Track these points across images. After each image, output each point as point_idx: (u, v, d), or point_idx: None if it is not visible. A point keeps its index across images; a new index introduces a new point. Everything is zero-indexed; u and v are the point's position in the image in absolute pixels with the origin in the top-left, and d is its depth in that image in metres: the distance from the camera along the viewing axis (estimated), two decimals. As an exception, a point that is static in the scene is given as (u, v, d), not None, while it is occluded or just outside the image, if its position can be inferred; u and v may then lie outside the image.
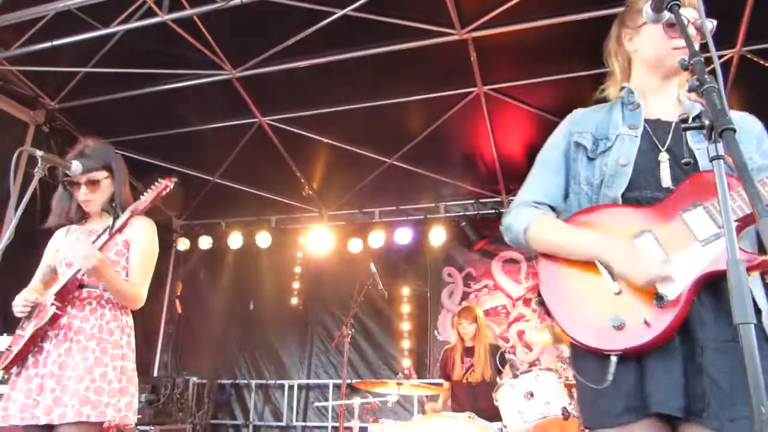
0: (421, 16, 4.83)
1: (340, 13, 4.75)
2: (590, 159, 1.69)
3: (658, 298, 1.40)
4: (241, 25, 5.02)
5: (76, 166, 2.49)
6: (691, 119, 1.54)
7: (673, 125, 1.64)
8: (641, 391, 1.41)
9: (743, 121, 1.66)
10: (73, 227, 2.74)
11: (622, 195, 1.59)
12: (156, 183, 2.54)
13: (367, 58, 5.14)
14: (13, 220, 2.17)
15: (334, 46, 5.14)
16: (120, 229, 2.48)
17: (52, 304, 2.39)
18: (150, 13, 4.76)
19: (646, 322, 1.40)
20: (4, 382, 2.43)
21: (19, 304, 2.47)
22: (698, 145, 1.56)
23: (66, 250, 2.60)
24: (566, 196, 1.76)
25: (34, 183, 2.26)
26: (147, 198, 2.51)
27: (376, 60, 5.19)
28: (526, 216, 1.71)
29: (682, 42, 1.58)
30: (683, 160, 1.41)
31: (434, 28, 4.87)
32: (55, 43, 4.99)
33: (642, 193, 1.58)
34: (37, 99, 5.96)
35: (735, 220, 1.38)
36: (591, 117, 1.79)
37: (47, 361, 2.37)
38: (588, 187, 1.67)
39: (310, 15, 4.84)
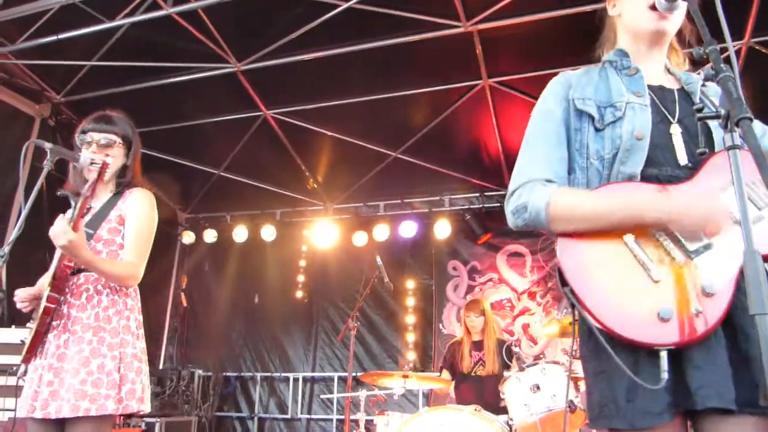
0: (426, 9, 4.82)
1: (344, 5, 4.74)
2: (597, 130, 1.53)
3: (707, 286, 1.30)
4: (245, 18, 5.01)
5: (84, 157, 2.45)
6: (699, 98, 1.51)
7: (677, 93, 1.55)
8: (682, 385, 1.29)
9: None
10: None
11: (640, 172, 1.45)
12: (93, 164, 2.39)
13: (372, 50, 5.13)
14: (22, 212, 2.15)
15: (338, 38, 5.13)
16: (71, 220, 2.23)
17: (47, 298, 2.29)
18: (155, 6, 4.76)
19: (698, 313, 1.28)
20: (26, 374, 2.39)
21: (18, 299, 2.41)
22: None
23: None
24: (569, 170, 1.59)
25: (43, 175, 2.24)
26: (90, 185, 2.31)
27: (381, 53, 5.17)
28: (542, 191, 1.49)
29: (663, 5, 1.49)
30: (698, 150, 1.32)
31: (439, 21, 4.86)
32: (61, 36, 4.99)
33: (661, 170, 1.45)
34: (42, 92, 5.96)
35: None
36: (585, 81, 1.64)
37: (47, 352, 2.31)
38: (599, 162, 1.51)
39: (314, 7, 4.83)
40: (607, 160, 1.50)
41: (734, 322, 1.31)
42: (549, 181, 1.52)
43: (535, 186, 1.51)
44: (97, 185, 2.32)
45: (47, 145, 2.28)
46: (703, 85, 1.42)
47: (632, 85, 1.57)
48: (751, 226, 1.00)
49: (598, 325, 1.33)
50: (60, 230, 2.17)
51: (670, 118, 1.50)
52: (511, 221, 1.56)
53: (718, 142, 1.45)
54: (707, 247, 1.35)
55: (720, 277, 1.31)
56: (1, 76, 5.39)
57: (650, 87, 1.57)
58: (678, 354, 1.30)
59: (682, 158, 1.45)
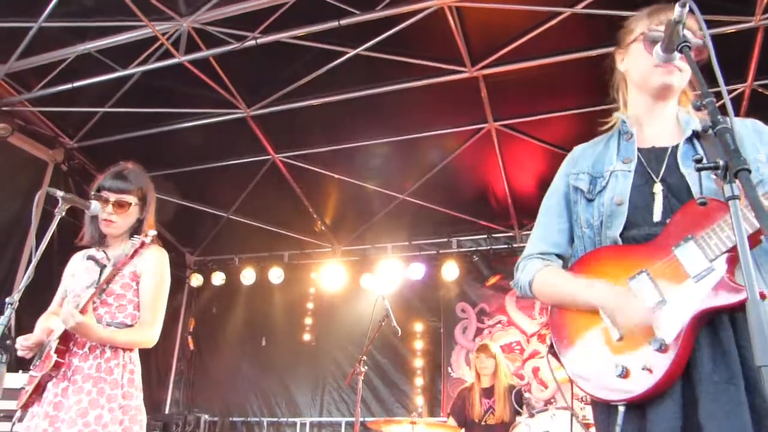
0: (432, 54, 4.92)
1: (352, 52, 4.85)
2: (589, 201, 1.66)
3: (657, 342, 1.35)
4: (255, 65, 5.14)
5: (94, 206, 2.48)
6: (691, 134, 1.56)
7: (669, 150, 1.59)
8: None
9: (743, 127, 1.60)
10: (90, 251, 2.64)
11: (621, 234, 1.55)
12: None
13: (380, 95, 5.22)
14: (33, 259, 2.18)
15: (346, 84, 5.23)
16: (112, 275, 2.34)
17: (57, 349, 2.30)
18: (167, 54, 4.89)
19: (647, 368, 1.35)
20: (22, 419, 2.38)
21: (20, 347, 2.41)
22: (689, 169, 1.51)
23: (77, 280, 2.53)
24: (572, 239, 1.74)
25: (55, 222, 2.28)
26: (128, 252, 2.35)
27: (388, 98, 5.27)
28: (530, 269, 1.71)
29: (661, 57, 1.54)
30: (697, 200, 1.34)
31: (445, 66, 4.96)
32: (76, 84, 5.13)
33: (639, 230, 1.53)
34: (56, 138, 6.09)
35: (724, 251, 1.34)
36: (589, 154, 1.76)
37: (45, 400, 2.29)
38: (589, 230, 1.64)
39: (322, 54, 4.95)
40: (596, 227, 1.62)
41: (690, 379, 1.34)
42: (544, 253, 1.73)
43: (529, 263, 1.74)
44: (108, 281, 2.39)
45: (59, 194, 2.32)
46: (698, 136, 1.51)
47: (625, 150, 1.66)
48: (753, 277, 1.00)
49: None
50: (68, 314, 2.22)
51: (654, 178, 1.56)
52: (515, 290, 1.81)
53: (695, 192, 1.48)
54: (661, 303, 1.41)
55: (670, 333, 1.36)
56: (17, 122, 5.51)
57: (640, 150, 1.63)
58: (640, 409, 1.37)
59: (657, 216, 1.51)
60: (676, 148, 1.59)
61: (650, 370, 1.34)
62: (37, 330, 2.50)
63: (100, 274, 2.34)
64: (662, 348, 1.34)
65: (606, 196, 1.60)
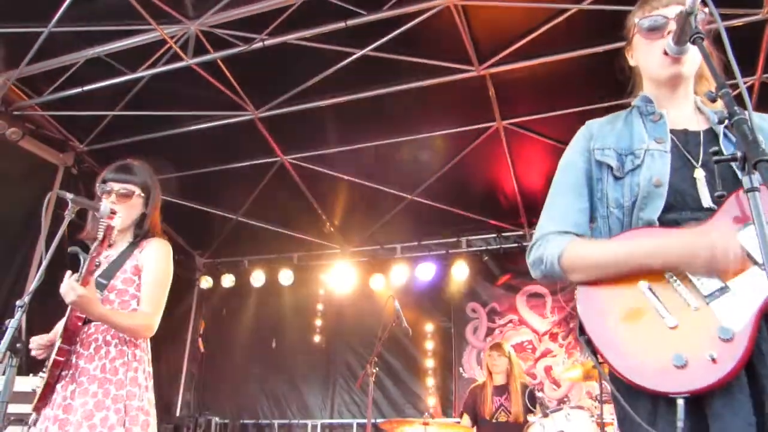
0: (439, 54, 4.91)
1: (359, 53, 4.85)
2: (617, 178, 1.55)
3: (723, 331, 1.26)
4: (263, 66, 5.14)
5: (104, 207, 2.47)
6: (722, 134, 1.50)
7: (702, 135, 1.54)
8: None
9: (762, 120, 1.57)
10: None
11: (659, 218, 1.45)
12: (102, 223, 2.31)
13: (387, 96, 5.22)
14: (44, 261, 2.18)
15: (353, 85, 5.23)
16: (79, 279, 2.23)
17: (57, 348, 2.28)
18: (175, 57, 4.91)
19: (712, 359, 1.24)
20: (36, 423, 2.37)
21: (33, 346, 2.40)
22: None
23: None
24: (591, 219, 1.61)
25: (65, 225, 2.27)
26: (97, 246, 2.26)
27: (396, 98, 5.26)
28: (557, 243, 1.54)
29: (663, 43, 1.53)
30: (716, 194, 1.33)
31: (452, 65, 4.94)
32: (86, 88, 5.16)
33: (681, 214, 1.44)
34: (66, 142, 6.12)
35: None
36: (609, 129, 1.66)
37: (54, 403, 2.28)
38: (618, 210, 1.53)
39: (330, 55, 4.95)
40: (627, 208, 1.51)
41: (756, 371, 1.27)
42: (566, 232, 1.56)
43: (552, 238, 1.56)
44: (105, 243, 2.30)
45: (69, 196, 2.31)
46: (725, 127, 1.43)
47: (655, 131, 1.58)
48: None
49: (614, 372, 1.33)
50: (68, 287, 2.17)
51: (694, 162, 1.50)
52: (532, 273, 1.60)
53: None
54: (723, 290, 1.32)
55: (737, 322, 1.27)
56: (28, 126, 5.55)
57: (673, 132, 1.57)
58: (699, 401, 1.27)
59: (707, 201, 1.44)
60: (708, 133, 1.55)
61: (716, 361, 1.24)
62: (53, 332, 2.50)
63: (99, 240, 2.26)
64: (730, 337, 1.25)
65: (642, 175, 1.50)
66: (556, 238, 1.55)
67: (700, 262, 1.32)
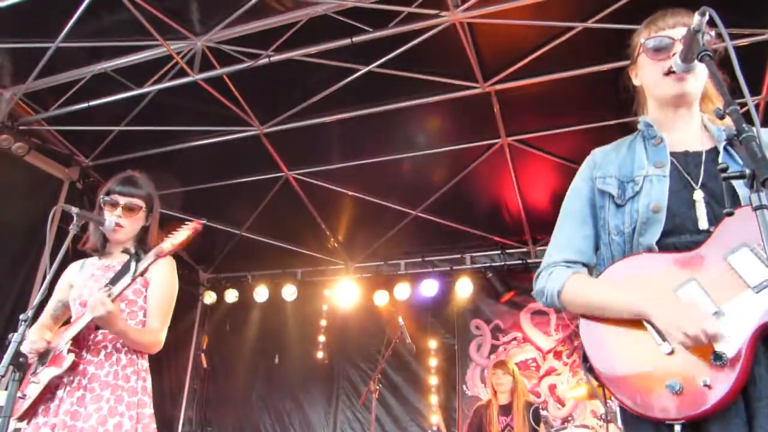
0: (444, 71, 4.93)
1: (365, 69, 4.87)
2: (618, 206, 1.58)
3: (717, 357, 1.26)
4: (268, 82, 5.17)
5: (109, 221, 2.49)
6: (722, 152, 1.50)
7: (704, 155, 1.54)
8: None
9: None
10: (88, 261, 2.65)
11: (658, 242, 1.47)
12: (183, 225, 2.37)
13: (392, 112, 5.23)
14: (48, 275, 2.18)
15: (358, 101, 5.25)
16: (142, 273, 2.33)
17: (70, 351, 2.28)
18: (181, 73, 4.94)
19: (706, 385, 1.25)
20: None
21: (27, 350, 2.33)
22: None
23: (80, 288, 2.51)
24: (597, 247, 1.65)
25: (69, 238, 2.28)
26: (175, 240, 2.34)
27: (401, 114, 5.28)
28: (558, 277, 1.60)
29: (668, 63, 1.54)
30: (725, 211, 1.32)
31: (457, 82, 4.95)
32: (92, 103, 5.19)
33: (679, 238, 1.46)
34: (72, 157, 6.14)
35: None
36: (612, 157, 1.69)
37: (59, 410, 2.25)
38: (619, 237, 1.55)
39: (335, 72, 4.97)
40: (627, 234, 1.55)
41: (749, 394, 1.27)
42: (570, 261, 1.63)
43: (555, 271, 1.63)
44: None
45: (74, 210, 2.33)
46: (727, 144, 1.44)
47: (656, 155, 1.59)
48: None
49: (615, 399, 1.37)
50: (98, 302, 2.20)
51: (693, 184, 1.50)
52: (537, 300, 1.68)
53: (744, 200, 1.41)
54: (717, 314, 1.32)
55: (730, 347, 1.27)
56: (34, 141, 5.58)
57: (674, 154, 1.57)
58: (697, 426, 1.28)
59: (703, 223, 1.45)
60: (711, 152, 1.55)
61: (710, 387, 1.26)
62: (32, 338, 2.39)
63: (135, 269, 2.31)
64: (723, 362, 1.26)
65: (641, 202, 1.52)
66: (558, 271, 1.62)
67: (662, 327, 1.36)
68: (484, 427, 4.81)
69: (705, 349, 1.29)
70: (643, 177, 1.56)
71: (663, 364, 1.33)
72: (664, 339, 1.35)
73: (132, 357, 2.42)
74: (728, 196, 1.42)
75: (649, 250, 1.48)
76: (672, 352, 1.33)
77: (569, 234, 1.67)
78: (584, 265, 1.64)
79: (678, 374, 1.30)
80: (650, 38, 1.61)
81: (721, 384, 1.25)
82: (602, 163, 1.69)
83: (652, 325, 1.38)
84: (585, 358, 1.46)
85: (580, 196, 1.69)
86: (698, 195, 1.48)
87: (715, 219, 1.44)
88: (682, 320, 1.32)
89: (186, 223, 2.39)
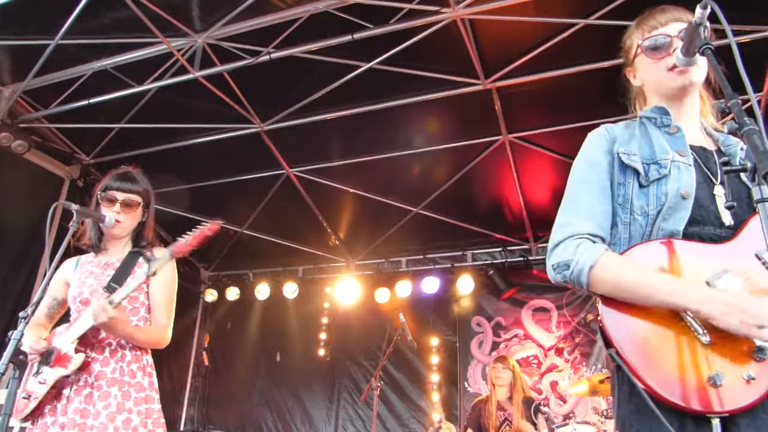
0: (445, 67, 4.91)
1: (365, 66, 4.86)
2: (641, 186, 1.52)
3: (759, 351, 1.24)
4: (269, 79, 5.16)
5: (109, 218, 2.50)
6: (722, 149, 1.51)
7: (716, 154, 1.55)
8: None
9: None
10: (83, 258, 2.64)
11: (683, 230, 1.44)
12: (200, 225, 2.38)
13: (393, 109, 5.22)
14: (48, 272, 2.17)
15: (359, 98, 5.24)
16: (154, 273, 2.35)
17: (78, 350, 2.28)
18: (182, 70, 4.93)
19: (749, 379, 1.23)
20: None
21: (28, 350, 2.31)
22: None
23: (80, 286, 2.50)
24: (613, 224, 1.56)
25: (69, 235, 2.28)
26: (190, 240, 2.35)
27: (401, 110, 5.27)
28: (591, 251, 1.44)
29: (671, 60, 1.54)
30: (725, 204, 1.31)
31: (458, 79, 4.94)
32: (92, 101, 5.18)
33: (704, 229, 1.44)
34: (72, 154, 6.14)
35: None
36: (629, 135, 1.63)
37: (68, 409, 2.26)
38: (643, 218, 1.49)
39: (336, 69, 4.96)
40: (650, 217, 1.48)
41: None
42: (595, 236, 1.49)
43: (582, 243, 1.47)
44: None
45: (74, 207, 2.32)
46: (741, 149, 1.46)
47: (675, 143, 1.57)
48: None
49: (644, 388, 1.29)
50: (100, 309, 2.21)
51: (713, 180, 1.50)
52: (551, 275, 1.52)
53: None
54: None
55: None
56: (34, 139, 5.57)
57: (692, 147, 1.57)
58: (724, 420, 1.25)
59: (727, 219, 1.44)
60: (718, 153, 1.56)
61: (751, 381, 1.23)
62: (31, 339, 2.39)
63: (149, 268, 2.34)
64: (765, 357, 1.24)
65: (670, 186, 1.47)
66: (587, 245, 1.46)
67: (727, 326, 1.28)
68: (483, 421, 4.81)
69: (746, 343, 1.27)
70: (670, 161, 1.51)
71: (702, 354, 1.28)
72: (703, 329, 1.30)
73: (137, 353, 2.43)
74: (745, 195, 1.43)
75: (672, 235, 1.43)
76: (710, 344, 1.28)
77: (589, 206, 1.53)
78: (603, 241, 1.51)
79: (719, 366, 1.26)
80: (647, 38, 1.61)
81: (764, 378, 1.23)
82: (621, 139, 1.62)
83: (692, 315, 1.32)
84: (609, 343, 1.35)
85: (599, 168, 1.58)
86: (719, 191, 1.48)
87: (736, 216, 1.43)
88: (737, 308, 1.26)
89: (203, 223, 2.40)
